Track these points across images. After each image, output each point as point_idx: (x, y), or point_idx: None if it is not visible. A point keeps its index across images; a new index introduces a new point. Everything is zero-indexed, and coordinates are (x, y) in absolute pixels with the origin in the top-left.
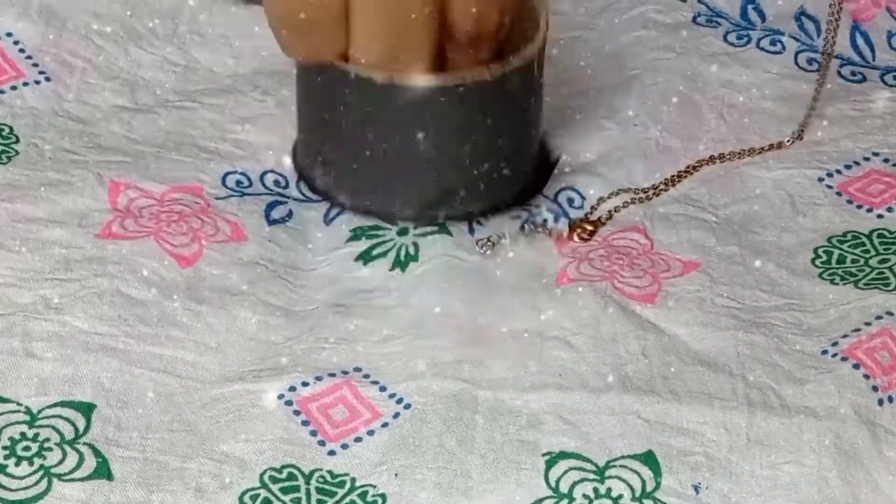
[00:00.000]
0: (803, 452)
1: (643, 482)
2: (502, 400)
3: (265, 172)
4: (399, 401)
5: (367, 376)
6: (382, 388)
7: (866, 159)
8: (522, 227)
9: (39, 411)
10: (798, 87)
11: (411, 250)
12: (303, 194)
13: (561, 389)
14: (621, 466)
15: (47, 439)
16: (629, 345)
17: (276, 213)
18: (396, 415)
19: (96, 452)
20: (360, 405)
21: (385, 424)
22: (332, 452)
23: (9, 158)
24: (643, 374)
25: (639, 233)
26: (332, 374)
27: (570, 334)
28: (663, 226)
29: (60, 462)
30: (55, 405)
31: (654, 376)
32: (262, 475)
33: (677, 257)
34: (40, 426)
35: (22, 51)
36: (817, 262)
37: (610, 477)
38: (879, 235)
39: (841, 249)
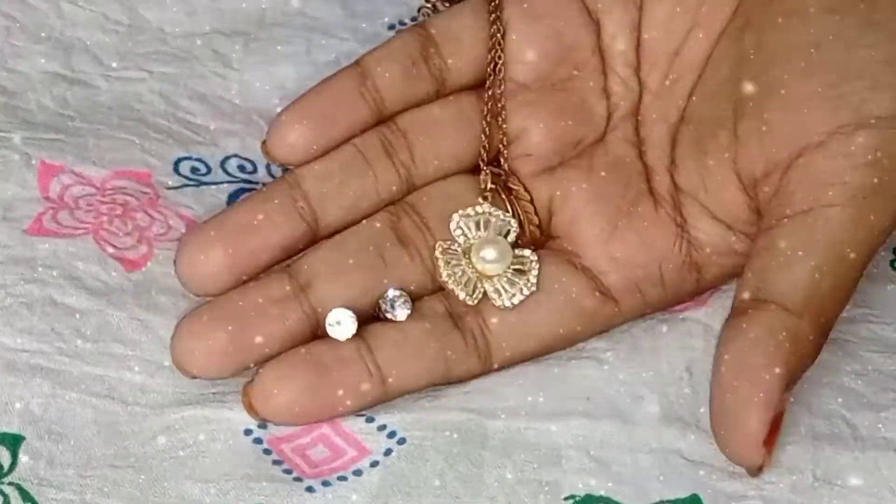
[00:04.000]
0: (881, 493)
1: None
2: (516, 430)
3: (227, 158)
4: (391, 434)
5: None
6: (370, 420)
7: None
8: None
9: None
10: None
11: None
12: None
13: (588, 417)
14: None
15: None
16: (672, 357)
17: None
18: (388, 451)
19: (24, 494)
20: (343, 443)
21: (375, 463)
22: (310, 489)
23: None
24: (686, 399)
25: None
26: None
27: (600, 350)
28: None
29: None
30: None
31: (699, 402)
32: None
33: None
34: None
35: None
36: None
37: None
38: None
39: None
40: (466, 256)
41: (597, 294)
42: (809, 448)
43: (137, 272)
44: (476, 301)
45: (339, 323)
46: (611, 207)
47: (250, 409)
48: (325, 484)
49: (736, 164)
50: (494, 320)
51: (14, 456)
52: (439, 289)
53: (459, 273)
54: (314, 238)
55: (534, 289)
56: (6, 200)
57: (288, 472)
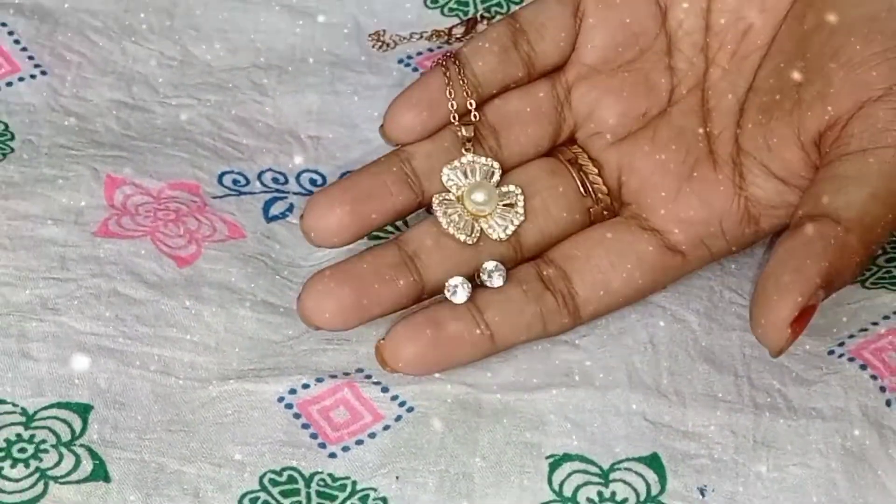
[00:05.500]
0: (810, 454)
1: (648, 486)
2: (507, 402)
3: (263, 172)
4: (401, 404)
5: (368, 377)
6: (385, 390)
7: None
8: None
9: (35, 412)
10: None
11: None
12: (303, 188)
13: (567, 387)
14: (626, 469)
15: (43, 441)
16: (636, 333)
17: (276, 209)
18: (398, 417)
19: (93, 454)
20: (361, 407)
21: (387, 427)
22: (332, 455)
23: (3, 156)
24: (650, 365)
25: None
26: (334, 376)
27: (577, 336)
28: None
29: (57, 464)
30: (51, 406)
31: (660, 368)
32: (261, 478)
33: None
34: (36, 427)
35: (17, 42)
36: None
37: (614, 480)
38: None
39: None
40: (460, 202)
41: (666, 250)
42: (751, 416)
43: (188, 268)
44: (475, 240)
45: (456, 288)
46: (673, 174)
47: (382, 362)
48: (345, 449)
49: (799, 124)
50: (578, 281)
51: (85, 422)
52: (524, 260)
53: (456, 218)
54: (420, 206)
55: (522, 219)
56: (78, 208)
57: (314, 436)
